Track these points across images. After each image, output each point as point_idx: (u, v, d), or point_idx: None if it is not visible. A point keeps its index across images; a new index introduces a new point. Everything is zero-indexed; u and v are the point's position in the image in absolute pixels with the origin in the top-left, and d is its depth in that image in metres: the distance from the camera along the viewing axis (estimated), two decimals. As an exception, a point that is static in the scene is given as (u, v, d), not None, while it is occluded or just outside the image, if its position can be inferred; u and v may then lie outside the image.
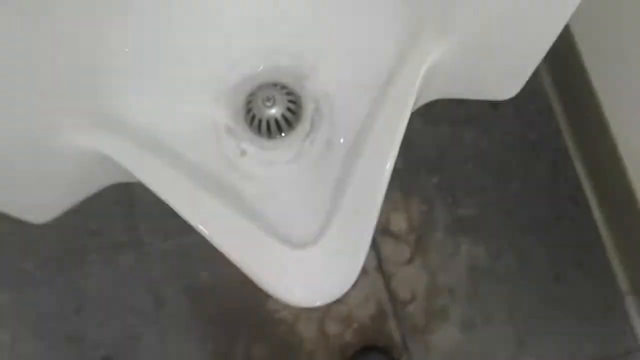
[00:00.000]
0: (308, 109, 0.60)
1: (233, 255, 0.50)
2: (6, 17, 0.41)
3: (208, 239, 0.50)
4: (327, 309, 0.86)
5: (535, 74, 0.89)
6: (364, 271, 0.86)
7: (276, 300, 0.83)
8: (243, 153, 0.60)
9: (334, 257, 0.52)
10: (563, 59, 0.86)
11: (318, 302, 0.49)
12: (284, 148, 0.60)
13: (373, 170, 0.51)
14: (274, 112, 0.59)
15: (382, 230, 0.87)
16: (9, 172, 0.45)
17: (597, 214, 0.87)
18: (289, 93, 0.60)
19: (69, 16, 0.49)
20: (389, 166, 0.50)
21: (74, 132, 0.48)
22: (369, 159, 0.51)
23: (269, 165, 0.59)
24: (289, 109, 0.59)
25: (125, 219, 0.87)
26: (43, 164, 0.47)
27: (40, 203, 0.51)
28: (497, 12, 0.43)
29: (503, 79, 0.51)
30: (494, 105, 0.89)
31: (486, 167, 0.88)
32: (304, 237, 0.56)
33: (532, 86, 0.90)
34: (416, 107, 0.55)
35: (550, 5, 0.42)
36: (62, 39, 0.49)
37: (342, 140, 0.58)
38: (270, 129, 0.59)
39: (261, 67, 0.60)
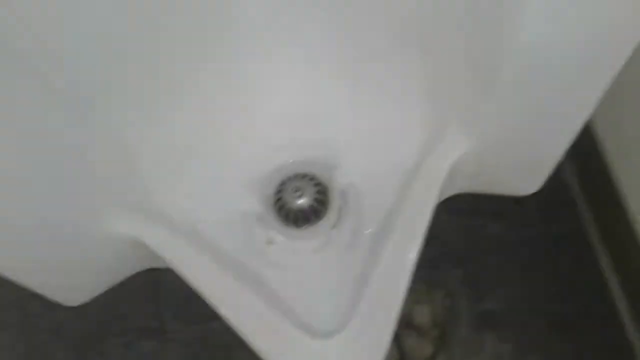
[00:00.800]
0: (335, 199, 0.62)
1: (254, 341, 0.50)
2: (64, 114, 0.45)
3: (230, 324, 0.50)
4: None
5: (559, 168, 0.91)
6: (387, 365, 0.84)
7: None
8: (270, 241, 0.61)
9: (354, 350, 0.52)
10: (586, 154, 0.88)
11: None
12: (310, 237, 0.61)
13: (396, 262, 0.52)
14: (302, 202, 0.61)
15: (406, 323, 0.86)
16: (50, 255, 0.47)
17: (624, 312, 0.85)
18: (317, 184, 0.62)
19: (118, 111, 0.53)
20: (412, 258, 0.51)
21: (114, 219, 0.50)
22: (393, 251, 0.52)
23: (295, 254, 0.61)
24: (316, 200, 0.61)
25: (150, 304, 0.88)
26: (82, 249, 0.49)
27: (75, 286, 0.52)
28: (519, 111, 0.45)
29: (524, 175, 0.52)
30: (518, 199, 0.90)
31: (511, 261, 0.88)
32: (325, 327, 0.56)
33: (556, 180, 0.90)
34: (439, 200, 0.57)
35: (571, 103, 0.44)
36: (112, 134, 0.53)
37: (368, 231, 0.59)
38: (298, 219, 0.61)
39: (292, 160, 0.63)
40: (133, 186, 0.57)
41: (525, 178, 0.53)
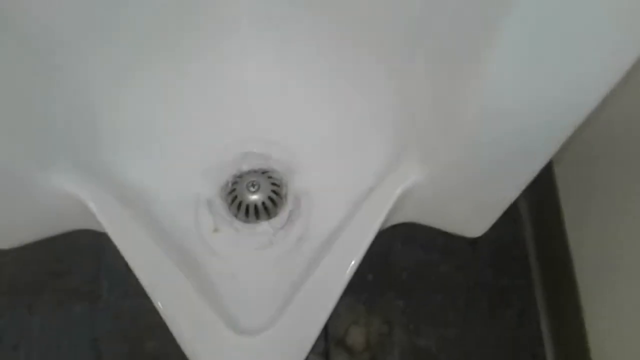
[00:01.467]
0: (288, 202, 0.62)
1: (175, 327, 0.50)
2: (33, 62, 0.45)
3: (156, 306, 0.50)
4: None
5: (519, 223, 0.92)
6: (311, 378, 0.84)
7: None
8: (216, 230, 0.61)
9: (275, 351, 0.52)
10: (545, 214, 0.89)
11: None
12: (256, 235, 0.61)
13: (332, 274, 0.52)
14: (255, 198, 0.61)
15: (338, 341, 0.86)
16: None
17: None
18: (274, 184, 0.62)
19: (83, 68, 0.53)
20: (348, 273, 0.51)
21: (63, 174, 0.50)
22: (331, 263, 0.52)
23: (237, 247, 0.61)
24: (270, 198, 0.61)
25: (90, 269, 0.87)
26: (20, 191, 0.49)
27: (6, 227, 0.52)
28: (475, 153, 0.45)
29: (473, 216, 0.53)
30: (474, 243, 0.90)
31: (454, 303, 0.88)
32: (251, 324, 0.56)
33: (513, 234, 0.92)
34: (388, 224, 0.57)
35: (526, 156, 0.45)
36: (78, 94, 0.53)
37: (312, 241, 0.59)
38: (249, 213, 0.61)
39: (255, 151, 0.63)
40: (90, 149, 0.57)
41: (473, 219, 0.53)
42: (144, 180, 0.61)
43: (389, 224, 0.56)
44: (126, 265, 0.49)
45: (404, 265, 0.89)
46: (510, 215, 0.80)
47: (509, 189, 0.47)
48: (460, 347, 0.87)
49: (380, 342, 0.86)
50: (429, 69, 0.48)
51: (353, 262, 0.50)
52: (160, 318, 0.77)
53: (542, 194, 0.90)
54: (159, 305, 0.50)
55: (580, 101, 0.37)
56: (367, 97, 0.58)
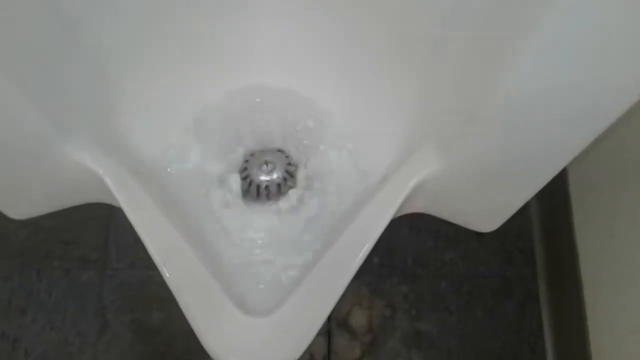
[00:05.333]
0: (301, 183, 0.62)
1: (183, 303, 0.50)
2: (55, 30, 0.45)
3: (165, 280, 0.50)
4: (264, 384, 0.84)
5: (527, 216, 0.92)
6: (312, 357, 0.85)
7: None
8: (227, 205, 0.61)
9: (281, 333, 0.52)
10: (554, 210, 0.89)
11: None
12: (267, 213, 0.61)
13: (343, 258, 0.52)
14: (268, 177, 0.61)
15: (341, 322, 0.87)
16: (5, 162, 0.46)
17: (551, 368, 0.86)
18: (289, 164, 0.62)
19: (106, 45, 0.52)
20: (359, 258, 0.51)
21: (78, 146, 0.50)
22: (343, 248, 0.52)
23: (248, 226, 0.61)
24: (284, 178, 0.61)
25: (99, 238, 0.87)
26: (37, 163, 0.49)
27: (21, 199, 0.52)
28: (493, 150, 0.45)
29: (485, 212, 0.53)
30: (480, 233, 0.90)
31: (457, 291, 0.89)
32: (258, 304, 0.56)
33: (521, 226, 0.92)
34: (399, 214, 0.57)
35: (547, 156, 0.44)
36: (90, 62, 0.52)
37: (322, 224, 0.60)
38: (260, 192, 0.61)
39: (272, 131, 0.63)
40: (106, 123, 0.57)
41: (485, 215, 0.53)
42: (157, 155, 0.61)
43: (401, 213, 0.56)
44: (134, 237, 0.50)
45: (409, 251, 0.90)
46: (519, 206, 0.80)
47: (525, 188, 0.47)
48: (460, 333, 0.88)
49: (382, 324, 0.87)
50: (454, 61, 0.47)
51: (364, 250, 0.50)
52: (167, 291, 0.77)
53: (551, 187, 0.89)
54: (168, 280, 0.50)
55: (609, 104, 0.37)
56: (387, 84, 0.58)
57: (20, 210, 0.53)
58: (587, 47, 0.34)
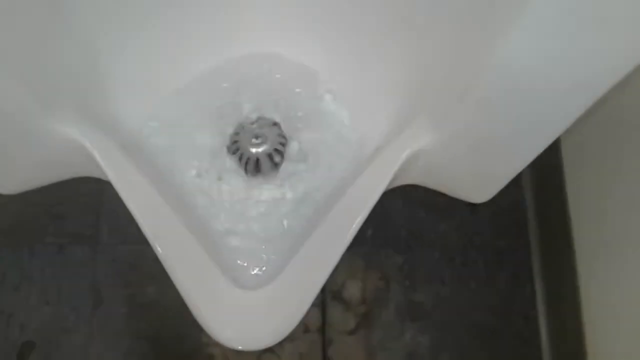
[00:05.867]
0: (294, 156, 0.61)
1: (175, 277, 0.50)
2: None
3: (157, 255, 0.50)
4: (258, 355, 0.84)
5: (520, 187, 0.92)
6: (306, 328, 0.86)
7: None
8: (220, 179, 0.61)
9: (275, 306, 0.52)
10: (547, 181, 0.89)
11: (240, 347, 0.49)
12: (259, 186, 0.61)
13: (336, 230, 0.52)
14: (260, 150, 0.60)
15: (335, 294, 0.87)
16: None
17: (544, 337, 0.87)
18: (281, 135, 0.61)
19: (90, 17, 0.51)
20: (353, 229, 0.51)
21: (65, 119, 0.49)
22: (336, 219, 0.52)
23: (243, 200, 0.60)
24: (276, 150, 0.60)
25: (91, 214, 0.87)
26: (23, 138, 0.48)
27: (10, 174, 0.51)
28: (487, 122, 0.45)
29: (479, 183, 0.52)
30: (474, 204, 0.91)
31: (451, 262, 0.89)
32: (251, 278, 0.56)
33: (514, 198, 0.92)
34: (392, 186, 0.57)
35: (540, 126, 0.44)
36: (76, 35, 0.51)
37: (316, 197, 0.59)
38: (250, 166, 0.60)
39: (265, 101, 0.62)
40: (93, 96, 0.56)
41: (478, 186, 0.53)
42: (146, 129, 0.60)
43: (394, 185, 0.55)
44: (126, 212, 0.49)
45: (403, 223, 0.90)
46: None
47: (518, 159, 0.46)
48: (454, 304, 0.88)
49: (376, 296, 0.88)
50: (448, 33, 0.47)
51: (357, 221, 0.50)
52: (160, 265, 0.77)
53: (544, 157, 0.89)
54: (160, 254, 0.50)
55: (602, 75, 0.36)
56: (381, 55, 0.57)
57: (9, 184, 0.52)
58: (581, 18, 0.33)
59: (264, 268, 0.56)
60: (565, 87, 0.39)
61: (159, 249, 0.49)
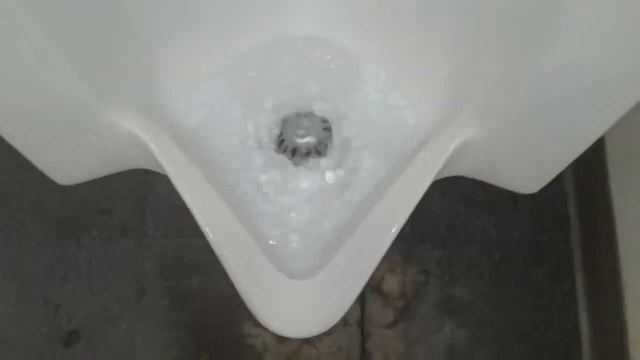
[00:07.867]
0: (339, 147, 0.62)
1: (229, 265, 0.51)
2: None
3: (211, 245, 0.51)
4: (297, 347, 0.85)
5: (562, 182, 0.91)
6: (345, 322, 0.86)
7: (252, 326, 0.83)
8: (265, 168, 0.62)
9: (323, 297, 0.53)
10: (590, 175, 0.88)
11: (291, 334, 0.50)
12: (305, 176, 0.61)
13: (383, 223, 0.52)
14: (305, 141, 0.61)
15: (374, 287, 0.88)
16: (52, 127, 0.47)
17: (584, 333, 0.86)
18: (326, 128, 0.62)
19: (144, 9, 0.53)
20: (400, 222, 0.51)
21: (121, 112, 0.51)
22: (382, 212, 0.52)
23: (287, 189, 0.61)
24: (321, 141, 0.61)
25: (136, 207, 0.89)
26: (85, 129, 0.49)
27: (67, 165, 0.53)
28: (537, 115, 0.45)
29: (527, 174, 0.52)
30: (514, 199, 0.90)
31: (490, 256, 0.89)
32: (300, 267, 0.57)
33: (556, 192, 0.91)
34: (439, 177, 0.57)
35: (589, 121, 0.44)
36: (131, 28, 0.53)
37: (360, 188, 0.60)
38: (296, 156, 0.61)
39: (309, 95, 0.63)
40: (147, 89, 0.57)
41: (528, 177, 0.53)
42: (192, 118, 0.61)
43: (440, 176, 0.56)
44: (170, 205, 0.50)
45: (443, 218, 0.90)
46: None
47: (570, 150, 0.46)
48: (493, 299, 0.88)
49: (415, 290, 0.88)
50: (501, 22, 0.47)
51: (405, 214, 0.51)
52: (204, 257, 0.79)
53: (587, 152, 0.88)
54: (214, 243, 0.51)
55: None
56: (430, 45, 0.57)
57: (68, 176, 0.54)
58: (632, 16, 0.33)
59: (312, 258, 0.57)
60: (613, 85, 0.39)
61: (214, 242, 0.50)
